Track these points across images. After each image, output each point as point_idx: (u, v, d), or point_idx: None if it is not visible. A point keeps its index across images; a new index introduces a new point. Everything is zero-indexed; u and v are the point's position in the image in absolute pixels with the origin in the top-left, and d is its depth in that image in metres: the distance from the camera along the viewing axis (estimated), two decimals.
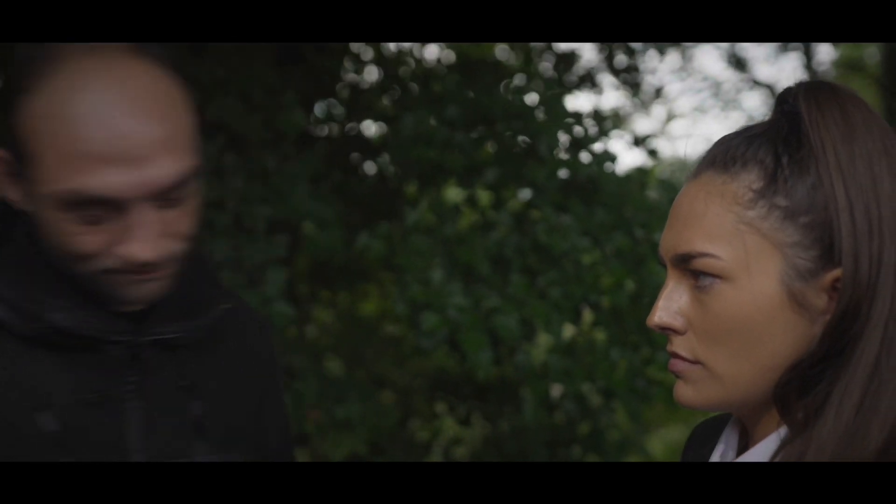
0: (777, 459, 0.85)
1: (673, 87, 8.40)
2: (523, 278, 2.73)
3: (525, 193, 2.87)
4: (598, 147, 2.87)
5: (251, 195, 2.85)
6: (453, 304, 2.59)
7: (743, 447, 0.96)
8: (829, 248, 0.85)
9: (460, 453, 4.25)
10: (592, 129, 2.89)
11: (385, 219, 3.17)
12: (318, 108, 3.79)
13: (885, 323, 0.83)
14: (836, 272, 0.84)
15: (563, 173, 2.85)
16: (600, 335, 2.95)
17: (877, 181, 0.85)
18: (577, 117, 2.89)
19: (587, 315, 2.95)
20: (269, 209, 2.86)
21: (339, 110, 3.88)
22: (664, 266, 0.94)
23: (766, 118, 0.93)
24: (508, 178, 2.85)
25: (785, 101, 0.90)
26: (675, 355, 0.91)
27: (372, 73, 3.85)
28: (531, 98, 2.88)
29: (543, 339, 3.03)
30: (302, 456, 4.55)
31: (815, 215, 0.85)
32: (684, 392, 0.91)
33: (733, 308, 0.86)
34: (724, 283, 0.87)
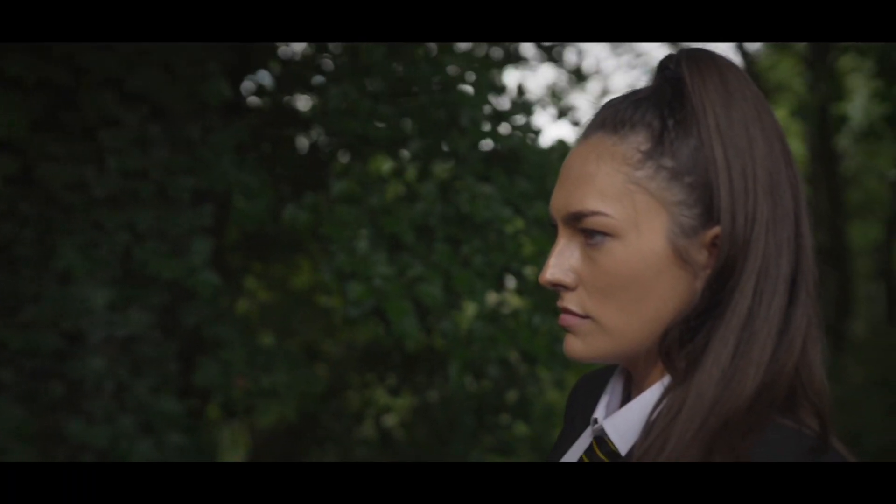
0: (660, 407, 0.89)
1: (608, 64, 8.47)
2: (447, 247, 2.77)
3: (449, 164, 2.90)
4: (520, 119, 2.92)
5: (175, 165, 2.85)
6: (378, 273, 2.63)
7: (627, 397, 1.00)
8: (710, 206, 0.89)
9: (391, 422, 4.30)
10: (516, 103, 2.93)
11: (315, 190, 3.19)
12: (249, 81, 3.78)
13: (756, 276, 0.88)
14: (716, 229, 0.89)
15: (486, 145, 2.89)
16: (523, 302, 3.01)
17: (752, 144, 0.89)
18: (500, 90, 2.94)
19: (510, 283, 3.00)
20: (194, 179, 2.86)
21: (269, 82, 3.88)
22: (554, 226, 0.97)
23: (650, 84, 0.97)
24: (432, 149, 2.88)
25: (667, 68, 0.95)
26: (566, 310, 0.94)
27: (302, 45, 3.85)
28: (454, 70, 2.91)
29: (470, 308, 3.08)
30: (229, 422, 4.56)
31: (698, 175, 0.89)
32: (574, 345, 0.94)
33: (623, 264, 0.90)
34: (614, 240, 0.90)
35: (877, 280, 7.48)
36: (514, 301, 3.16)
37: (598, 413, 0.99)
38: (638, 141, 0.91)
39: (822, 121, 6.11)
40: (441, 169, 3.00)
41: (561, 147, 2.94)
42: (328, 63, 3.68)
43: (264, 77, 3.83)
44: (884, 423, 5.85)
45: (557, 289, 0.94)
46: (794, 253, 0.90)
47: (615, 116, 0.93)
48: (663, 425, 0.88)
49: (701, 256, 0.90)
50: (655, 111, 0.92)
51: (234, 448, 5.28)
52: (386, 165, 3.21)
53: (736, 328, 0.88)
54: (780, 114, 7.73)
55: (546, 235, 2.79)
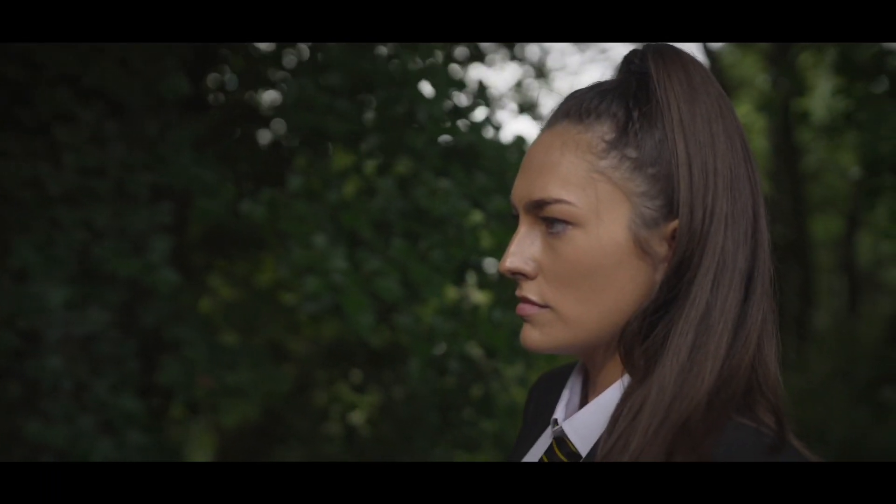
0: (623, 409, 0.88)
1: (573, 60, 8.48)
2: (405, 242, 2.78)
3: (408, 159, 2.90)
4: (479, 115, 2.93)
5: (133, 162, 2.83)
6: (336, 268, 2.62)
7: (585, 394, 1.00)
8: (671, 199, 0.90)
9: (356, 419, 4.30)
10: (475, 99, 2.94)
11: (275, 186, 3.17)
12: (210, 76, 3.76)
13: (714, 271, 0.88)
14: (676, 222, 0.90)
15: (445, 140, 2.90)
16: (483, 296, 3.01)
17: (714, 140, 0.90)
18: (460, 86, 2.94)
19: (470, 277, 3.01)
20: (153, 176, 2.84)
21: (231, 78, 3.86)
22: (516, 216, 0.96)
23: (615, 77, 0.97)
24: (391, 144, 2.88)
25: (632, 62, 0.96)
26: (525, 300, 0.93)
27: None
28: (413, 66, 2.91)
29: (432, 303, 3.09)
30: (194, 422, 4.53)
31: (661, 167, 0.90)
32: (531, 335, 0.93)
33: (583, 253, 0.90)
34: (576, 228, 0.90)
35: (839, 273, 7.58)
36: (477, 296, 3.17)
37: (558, 413, 0.99)
38: (603, 130, 0.91)
39: (784, 116, 6.17)
40: (400, 164, 3.00)
41: (520, 143, 2.95)
42: (291, 59, 3.67)
43: (226, 73, 3.81)
44: (847, 415, 5.93)
45: (517, 277, 0.94)
46: (751, 249, 0.90)
47: (580, 106, 0.93)
48: (625, 425, 0.87)
49: (661, 248, 0.90)
50: (621, 102, 0.92)
51: (200, 447, 5.25)
52: (345, 160, 3.20)
53: (694, 322, 0.88)
54: (744, 109, 7.81)
55: (505, 229, 2.80)
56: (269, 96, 3.83)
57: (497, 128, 2.94)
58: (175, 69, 2.81)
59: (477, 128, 2.85)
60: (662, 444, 0.85)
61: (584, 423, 0.93)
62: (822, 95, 6.90)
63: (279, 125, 3.69)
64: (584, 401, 0.99)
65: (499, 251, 2.79)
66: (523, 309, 0.94)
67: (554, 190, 0.90)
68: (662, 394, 0.87)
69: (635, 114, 0.91)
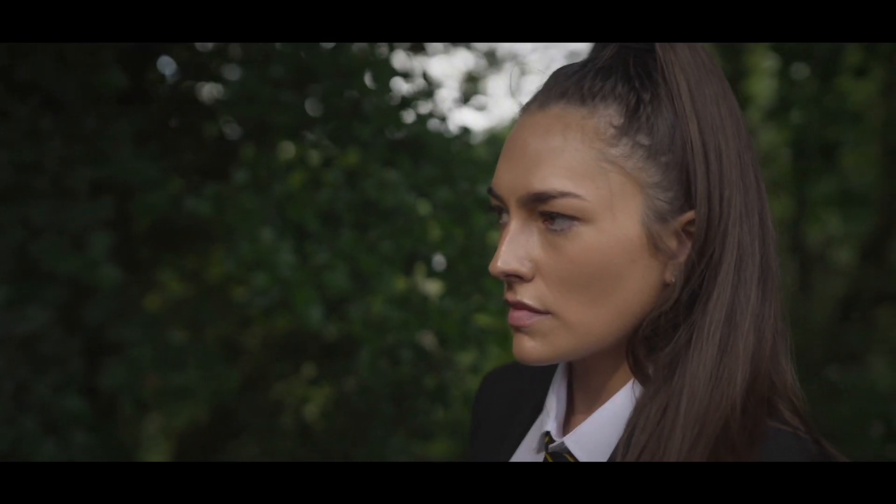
0: (641, 417, 0.82)
1: (524, 47, 8.47)
2: (353, 233, 2.75)
3: (354, 151, 2.88)
4: (424, 107, 2.91)
5: (71, 157, 2.77)
6: (284, 262, 2.59)
7: (571, 401, 0.92)
8: (685, 189, 0.83)
9: (310, 413, 4.27)
10: (419, 90, 2.93)
11: (220, 179, 3.13)
12: (159, 67, 3.70)
13: (735, 267, 0.82)
14: (689, 215, 0.83)
15: (391, 131, 2.88)
16: (433, 286, 3.00)
17: (724, 123, 0.84)
18: (405, 76, 2.92)
19: (419, 267, 3.00)
20: (92, 171, 2.79)
21: (172, 71, 3.79)
22: (499, 209, 0.86)
23: (602, 52, 0.88)
24: (337, 136, 2.86)
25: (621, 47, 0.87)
26: (522, 305, 0.84)
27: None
28: (357, 57, 2.88)
29: (382, 293, 3.07)
30: (145, 423, 4.48)
31: (674, 155, 0.82)
32: (531, 347, 0.84)
33: (594, 251, 0.81)
34: (584, 224, 0.81)
35: (788, 253, 7.69)
36: (427, 287, 3.16)
37: (549, 427, 0.90)
38: (610, 114, 0.82)
39: None
40: (347, 156, 2.97)
41: (465, 134, 2.94)
42: (234, 52, 3.62)
43: (168, 65, 3.75)
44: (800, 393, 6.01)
45: (510, 279, 0.84)
46: (762, 241, 0.84)
47: (581, 86, 0.83)
48: (647, 437, 0.80)
49: (672, 244, 0.83)
50: (626, 83, 0.83)
51: (154, 446, 5.19)
52: (290, 152, 3.17)
53: (719, 322, 0.81)
54: None
55: (451, 218, 2.78)
56: (213, 88, 3.78)
57: (442, 119, 2.92)
58: (112, 63, 2.75)
59: (423, 119, 2.83)
60: (703, 456, 0.78)
61: (590, 436, 0.85)
62: (763, 77, 6.98)
63: (223, 117, 3.64)
64: (571, 408, 0.91)
65: (447, 242, 2.78)
66: (519, 319, 0.83)
67: (559, 182, 0.81)
68: (693, 401, 0.80)
69: (646, 96, 0.82)
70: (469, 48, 4.17)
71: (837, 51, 3.28)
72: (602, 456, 0.84)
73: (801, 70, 3.32)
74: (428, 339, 3.34)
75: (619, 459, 0.81)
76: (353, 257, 2.70)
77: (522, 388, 1.00)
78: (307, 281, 2.63)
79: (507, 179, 0.83)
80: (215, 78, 3.57)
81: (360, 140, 2.78)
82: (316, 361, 4.07)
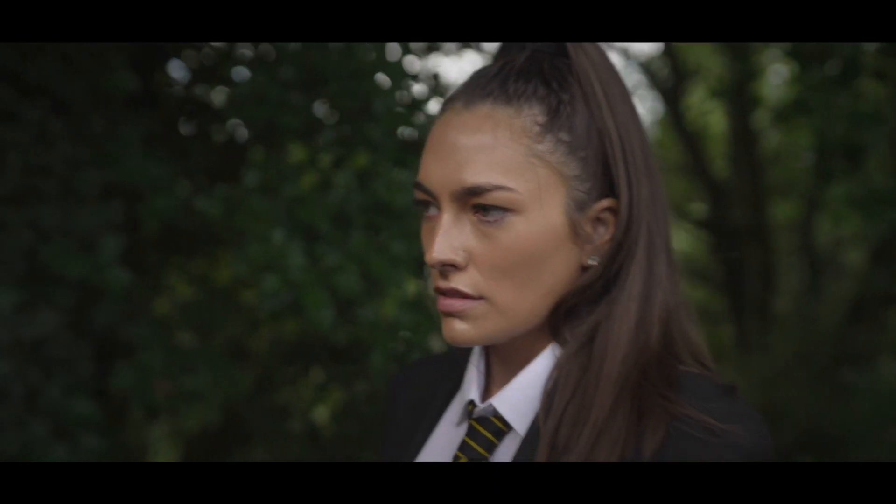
0: (562, 372, 0.90)
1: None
2: (364, 235, 2.74)
3: (365, 152, 2.86)
4: (435, 106, 2.89)
5: (81, 160, 2.76)
6: (294, 265, 2.57)
7: (489, 372, 0.98)
8: (599, 180, 0.91)
9: (320, 417, 4.26)
10: (430, 91, 2.91)
11: (230, 182, 3.11)
12: (160, 71, 3.69)
13: (648, 247, 0.92)
14: (603, 203, 0.91)
15: (402, 132, 2.86)
16: None
17: (632, 117, 0.93)
18: (415, 78, 2.90)
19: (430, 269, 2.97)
20: (101, 174, 2.78)
21: (182, 73, 3.79)
22: (426, 203, 0.92)
23: (512, 54, 0.95)
24: (347, 137, 2.84)
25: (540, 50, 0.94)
26: (455, 292, 0.89)
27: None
28: (368, 58, 2.86)
29: (393, 296, 3.05)
30: (156, 428, 4.47)
31: (591, 150, 0.90)
32: (462, 329, 0.90)
33: (524, 240, 0.88)
34: (516, 215, 0.88)
35: (799, 255, 7.65)
36: None
37: (472, 395, 0.96)
38: (534, 114, 0.89)
39: (740, 100, 6.21)
40: (357, 157, 2.95)
41: None
42: (243, 54, 3.61)
43: (177, 68, 3.74)
44: (809, 397, 5.98)
45: (446, 269, 0.90)
46: (665, 222, 0.94)
47: (505, 88, 0.90)
48: (572, 391, 0.88)
49: (588, 230, 0.91)
50: (545, 85, 0.91)
51: (163, 448, 5.17)
52: (300, 154, 3.15)
53: (637, 295, 0.91)
54: (704, 96, 7.82)
55: None
56: (222, 91, 3.76)
57: None
58: (121, 65, 2.74)
59: (432, 119, 2.80)
60: (628, 397, 0.86)
61: (517, 395, 0.92)
62: (774, 77, 6.96)
63: (233, 120, 3.63)
64: (490, 381, 0.98)
65: None
66: (451, 305, 0.89)
67: (492, 176, 0.87)
68: (615, 360, 0.89)
69: (565, 97, 0.90)
70: (478, 49, 4.15)
71: (855, 53, 3.26)
72: (528, 413, 0.91)
73: (818, 72, 3.30)
74: (439, 342, 3.32)
75: (542, 415, 0.88)
76: (364, 259, 2.68)
77: (435, 378, 1.06)
78: (318, 283, 2.62)
79: (439, 175, 0.89)
80: (224, 80, 3.56)
81: (370, 141, 2.76)
82: (325, 366, 4.05)
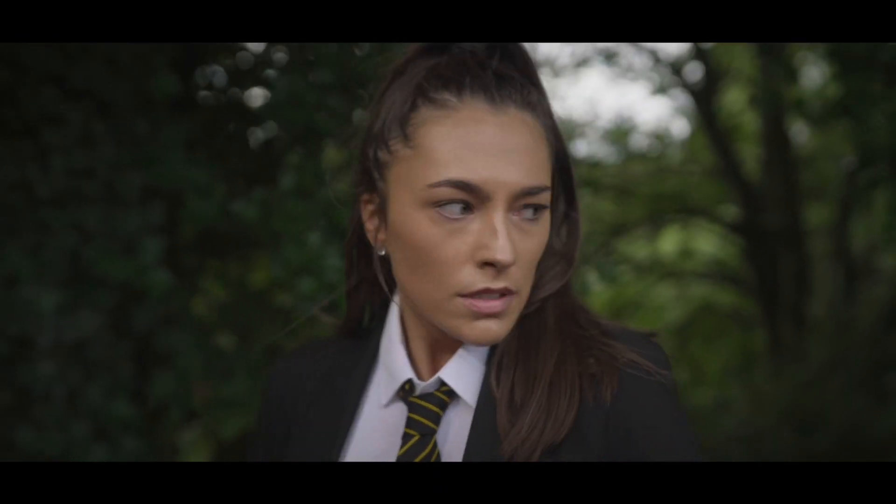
0: (505, 340, 0.95)
1: (559, 50, 8.43)
2: None
3: None
4: None
5: (123, 163, 2.77)
6: (331, 267, 2.57)
7: (409, 353, 1.01)
8: (554, 179, 1.00)
9: None
10: None
11: (267, 185, 3.12)
12: (199, 75, 3.70)
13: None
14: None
15: None
16: None
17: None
18: None
19: None
20: (143, 176, 2.79)
21: (220, 77, 3.80)
22: (464, 202, 0.91)
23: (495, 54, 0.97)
24: None
25: (513, 55, 0.97)
26: (507, 291, 0.92)
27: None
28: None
29: None
30: (191, 433, 4.47)
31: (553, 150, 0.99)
32: (498, 328, 0.93)
33: (546, 234, 0.96)
34: (546, 212, 0.95)
35: (833, 260, 7.56)
36: None
37: (406, 376, 0.99)
38: (543, 117, 0.96)
39: (775, 104, 6.15)
40: None
41: None
42: (281, 57, 3.61)
43: (216, 72, 3.75)
44: (847, 402, 5.91)
45: (505, 269, 0.92)
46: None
47: (522, 95, 0.94)
48: (518, 347, 0.94)
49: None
50: (535, 90, 0.96)
51: (197, 452, 5.19)
52: (337, 157, 3.15)
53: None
54: (734, 96, 7.76)
55: None
56: (259, 94, 3.77)
57: None
58: (164, 67, 2.75)
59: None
60: (572, 346, 0.94)
61: (462, 367, 0.96)
62: (811, 79, 6.88)
63: (270, 123, 3.63)
64: (414, 362, 1.01)
65: None
66: (496, 306, 0.92)
67: (541, 176, 0.93)
68: (552, 308, 0.98)
69: (548, 104, 0.97)
70: None
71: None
72: (475, 382, 0.96)
73: (862, 75, 3.25)
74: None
75: (495, 378, 0.94)
76: None
77: (334, 365, 1.08)
78: None
79: (494, 175, 0.90)
80: (261, 82, 3.56)
81: None
82: None
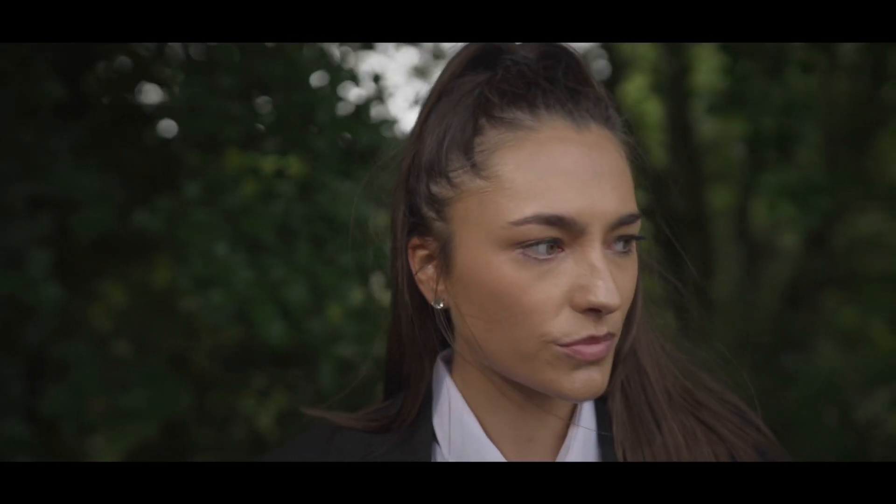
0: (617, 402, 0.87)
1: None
2: (310, 247, 2.66)
3: (306, 161, 2.78)
4: (378, 112, 2.82)
5: (7, 172, 2.63)
6: (240, 277, 2.49)
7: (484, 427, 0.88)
8: None
9: (263, 424, 4.18)
10: (370, 95, 2.83)
11: (167, 190, 3.00)
12: (89, 77, 3.54)
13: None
14: None
15: (344, 140, 2.79)
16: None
17: None
18: (356, 81, 2.82)
19: (376, 280, 2.92)
20: (29, 186, 2.65)
21: (113, 78, 3.64)
22: (555, 241, 0.78)
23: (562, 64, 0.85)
24: (289, 146, 2.75)
25: (556, 58, 0.84)
26: (611, 336, 0.80)
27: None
28: (308, 63, 2.78)
29: (338, 306, 2.98)
30: (90, 444, 4.33)
31: None
32: (601, 378, 0.80)
33: (636, 267, 0.84)
34: (635, 243, 0.84)
35: (736, 241, 7.76)
36: (384, 298, 3.08)
37: (495, 456, 0.85)
38: (621, 136, 0.84)
39: (675, 92, 6.27)
40: (299, 167, 2.86)
41: None
42: (178, 53, 3.47)
43: (108, 73, 3.59)
44: (750, 382, 6.06)
45: (610, 313, 0.79)
46: None
47: (602, 111, 0.83)
48: (628, 421, 0.86)
49: None
50: (607, 101, 0.85)
51: (102, 461, 5.02)
52: (238, 161, 3.05)
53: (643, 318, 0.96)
54: (638, 85, 7.87)
55: None
56: (153, 92, 3.63)
57: (393, 122, 2.83)
58: (47, 73, 2.61)
59: (376, 126, 2.73)
60: (683, 409, 0.89)
61: (587, 447, 0.87)
62: (707, 71, 7.03)
63: (168, 126, 3.50)
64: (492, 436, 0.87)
65: None
66: (600, 352, 0.79)
67: (633, 203, 0.81)
68: (656, 370, 0.89)
69: (620, 115, 0.85)
70: (417, 46, 4.08)
71: (782, 47, 3.32)
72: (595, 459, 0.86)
73: (748, 66, 3.35)
74: (381, 349, 3.26)
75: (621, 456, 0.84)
76: (311, 271, 2.60)
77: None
78: (266, 297, 2.54)
79: (590, 204, 0.77)
80: (157, 81, 3.42)
81: (312, 150, 2.68)
82: (267, 371, 3.97)
